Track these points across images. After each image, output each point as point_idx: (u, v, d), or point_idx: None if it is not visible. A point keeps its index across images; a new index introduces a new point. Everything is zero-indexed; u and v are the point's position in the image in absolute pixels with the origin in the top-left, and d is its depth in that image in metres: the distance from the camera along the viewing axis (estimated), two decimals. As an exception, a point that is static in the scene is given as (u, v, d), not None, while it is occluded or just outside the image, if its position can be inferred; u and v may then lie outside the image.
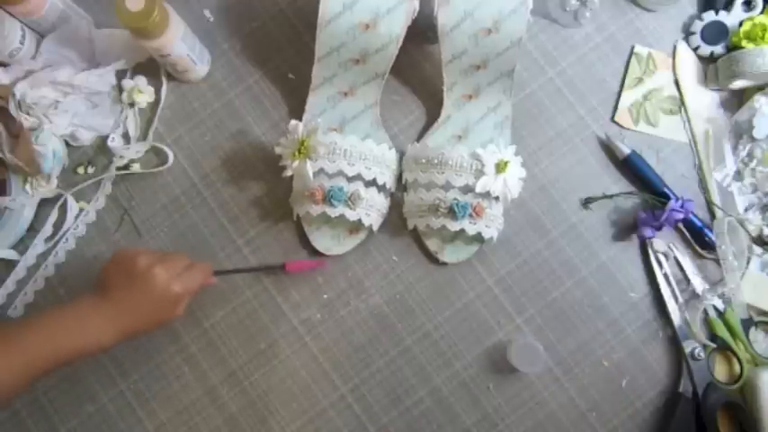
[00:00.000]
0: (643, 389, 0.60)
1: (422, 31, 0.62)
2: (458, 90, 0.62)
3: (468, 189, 0.59)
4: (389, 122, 0.64)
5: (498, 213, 0.60)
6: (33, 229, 0.62)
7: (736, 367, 0.59)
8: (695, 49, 0.64)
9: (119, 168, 0.63)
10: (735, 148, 0.63)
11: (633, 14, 0.65)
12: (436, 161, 0.58)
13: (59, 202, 0.62)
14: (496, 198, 0.59)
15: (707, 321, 0.61)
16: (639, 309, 0.61)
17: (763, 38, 0.61)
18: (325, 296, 0.62)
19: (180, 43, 0.58)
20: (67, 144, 0.63)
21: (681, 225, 0.62)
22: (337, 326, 0.61)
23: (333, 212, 0.58)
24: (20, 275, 0.62)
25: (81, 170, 0.63)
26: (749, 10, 0.63)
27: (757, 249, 0.61)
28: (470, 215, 0.58)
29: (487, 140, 0.62)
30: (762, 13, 0.63)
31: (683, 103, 0.64)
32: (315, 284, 0.62)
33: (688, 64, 0.64)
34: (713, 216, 0.62)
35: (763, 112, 0.61)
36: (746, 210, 0.62)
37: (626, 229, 0.62)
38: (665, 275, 0.61)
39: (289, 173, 0.58)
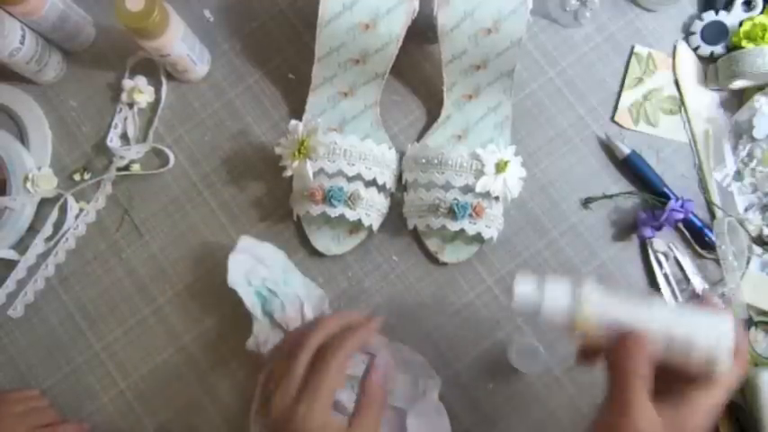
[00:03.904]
0: (643, 389, 0.60)
1: (422, 31, 0.62)
2: (458, 90, 0.62)
3: (468, 189, 0.59)
4: (389, 122, 0.64)
5: (498, 213, 0.60)
6: (33, 229, 0.62)
7: (736, 367, 0.59)
8: (695, 49, 0.64)
9: (119, 169, 0.63)
10: (735, 148, 0.63)
11: (633, 14, 0.65)
12: (436, 161, 0.58)
13: (59, 203, 0.62)
14: (496, 198, 0.59)
15: (707, 321, 0.61)
16: (639, 309, 0.61)
17: (763, 38, 0.61)
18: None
19: (180, 43, 0.58)
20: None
21: (681, 225, 0.61)
22: (337, 326, 0.61)
23: (333, 212, 0.58)
24: (20, 275, 0.62)
25: (77, 177, 0.63)
26: (749, 10, 0.63)
27: (757, 249, 0.61)
28: (470, 215, 0.58)
29: (487, 140, 0.62)
30: (762, 13, 0.63)
31: (683, 103, 0.64)
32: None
33: (688, 64, 0.64)
34: (713, 216, 0.62)
35: (763, 112, 0.61)
36: (746, 210, 0.62)
37: (626, 229, 0.62)
38: (665, 275, 0.61)
39: (289, 173, 0.58)
